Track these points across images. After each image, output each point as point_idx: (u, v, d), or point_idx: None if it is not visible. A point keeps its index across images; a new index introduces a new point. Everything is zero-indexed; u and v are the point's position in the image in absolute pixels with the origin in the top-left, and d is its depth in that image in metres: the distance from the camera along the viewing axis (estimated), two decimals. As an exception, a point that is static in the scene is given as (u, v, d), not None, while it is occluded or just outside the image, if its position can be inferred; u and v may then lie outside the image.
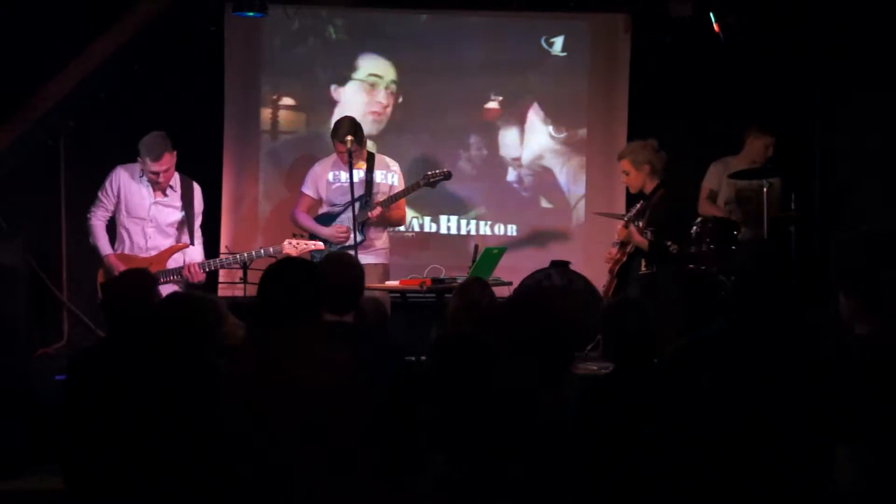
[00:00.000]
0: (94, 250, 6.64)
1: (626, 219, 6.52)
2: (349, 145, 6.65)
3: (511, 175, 8.32)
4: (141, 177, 6.60)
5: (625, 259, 6.55)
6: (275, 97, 8.18)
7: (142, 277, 4.37)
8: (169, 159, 6.52)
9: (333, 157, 7.10)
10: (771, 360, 3.55)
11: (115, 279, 4.31)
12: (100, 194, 6.66)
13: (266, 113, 8.15)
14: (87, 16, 6.97)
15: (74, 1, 7.11)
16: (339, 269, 4.13)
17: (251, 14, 7.30)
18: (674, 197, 6.56)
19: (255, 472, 3.39)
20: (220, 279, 7.82)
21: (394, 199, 6.84)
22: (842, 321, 4.38)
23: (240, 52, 8.02)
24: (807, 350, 3.59)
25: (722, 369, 3.58)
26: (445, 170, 6.86)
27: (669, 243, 6.39)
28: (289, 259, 4.38)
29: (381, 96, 8.29)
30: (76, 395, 4.04)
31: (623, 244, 6.57)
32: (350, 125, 6.86)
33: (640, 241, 6.44)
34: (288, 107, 8.24)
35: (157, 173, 6.53)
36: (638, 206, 6.49)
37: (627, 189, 7.84)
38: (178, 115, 7.23)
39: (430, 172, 6.87)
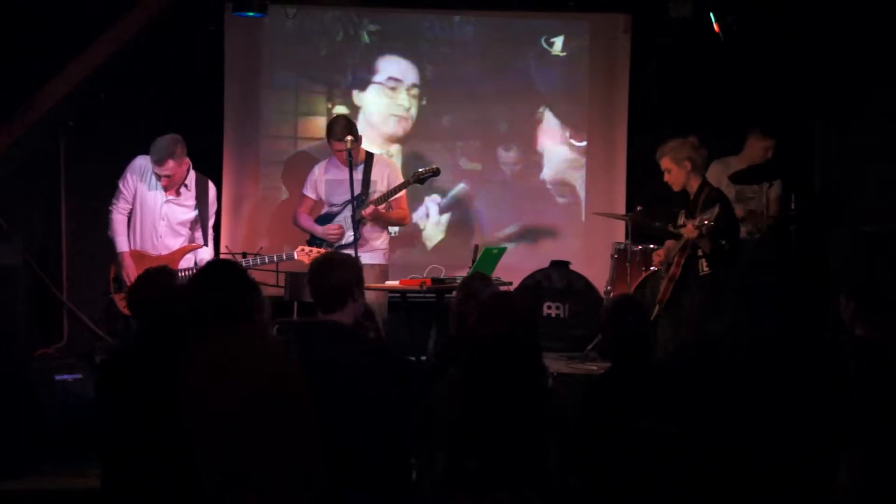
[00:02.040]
0: (111, 243, 6.66)
1: (697, 221, 6.05)
2: (348, 145, 6.64)
3: (511, 175, 8.30)
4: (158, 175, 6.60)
5: (683, 262, 6.22)
6: (275, 97, 8.16)
7: (161, 274, 4.40)
8: (174, 166, 6.51)
9: (331, 157, 7.11)
10: (772, 362, 3.55)
11: (136, 284, 4.38)
12: (120, 185, 6.66)
13: (266, 113, 8.13)
14: (88, 16, 6.96)
15: (74, 1, 7.11)
16: (325, 268, 4.16)
17: (251, 14, 7.28)
18: (721, 194, 6.39)
19: (211, 469, 3.45)
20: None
21: (386, 196, 6.84)
22: (842, 323, 4.37)
23: (240, 52, 8.01)
24: (806, 352, 3.59)
25: (724, 370, 3.59)
26: (434, 166, 6.87)
27: (723, 242, 6.16)
28: (220, 261, 4.74)
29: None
30: (112, 397, 4.06)
31: (682, 249, 6.21)
32: (346, 124, 6.87)
33: (706, 244, 6.11)
34: (288, 107, 8.22)
35: (159, 176, 6.54)
36: (702, 214, 6.16)
37: (628, 190, 7.88)
38: (178, 115, 7.22)
39: (420, 169, 6.88)
